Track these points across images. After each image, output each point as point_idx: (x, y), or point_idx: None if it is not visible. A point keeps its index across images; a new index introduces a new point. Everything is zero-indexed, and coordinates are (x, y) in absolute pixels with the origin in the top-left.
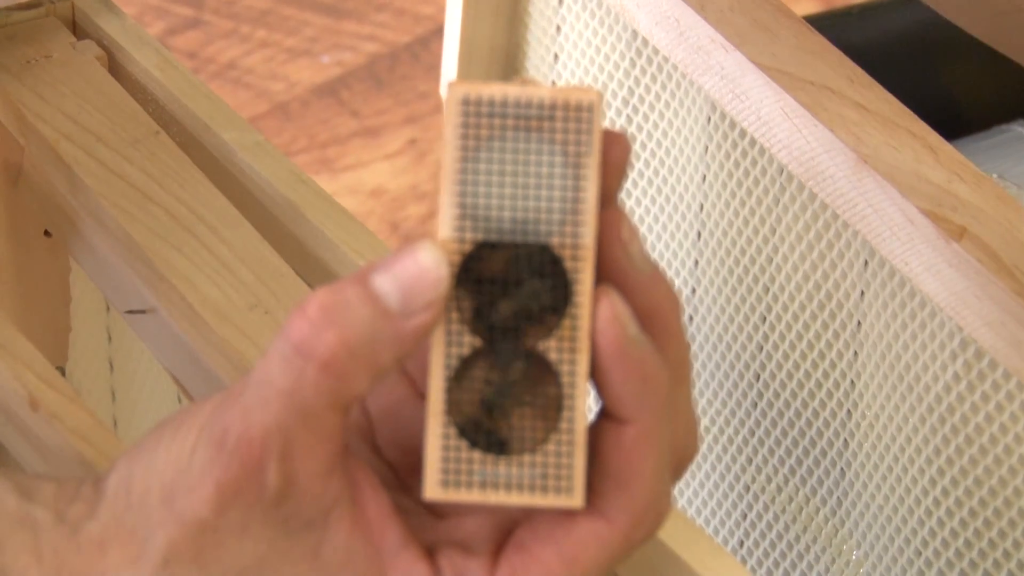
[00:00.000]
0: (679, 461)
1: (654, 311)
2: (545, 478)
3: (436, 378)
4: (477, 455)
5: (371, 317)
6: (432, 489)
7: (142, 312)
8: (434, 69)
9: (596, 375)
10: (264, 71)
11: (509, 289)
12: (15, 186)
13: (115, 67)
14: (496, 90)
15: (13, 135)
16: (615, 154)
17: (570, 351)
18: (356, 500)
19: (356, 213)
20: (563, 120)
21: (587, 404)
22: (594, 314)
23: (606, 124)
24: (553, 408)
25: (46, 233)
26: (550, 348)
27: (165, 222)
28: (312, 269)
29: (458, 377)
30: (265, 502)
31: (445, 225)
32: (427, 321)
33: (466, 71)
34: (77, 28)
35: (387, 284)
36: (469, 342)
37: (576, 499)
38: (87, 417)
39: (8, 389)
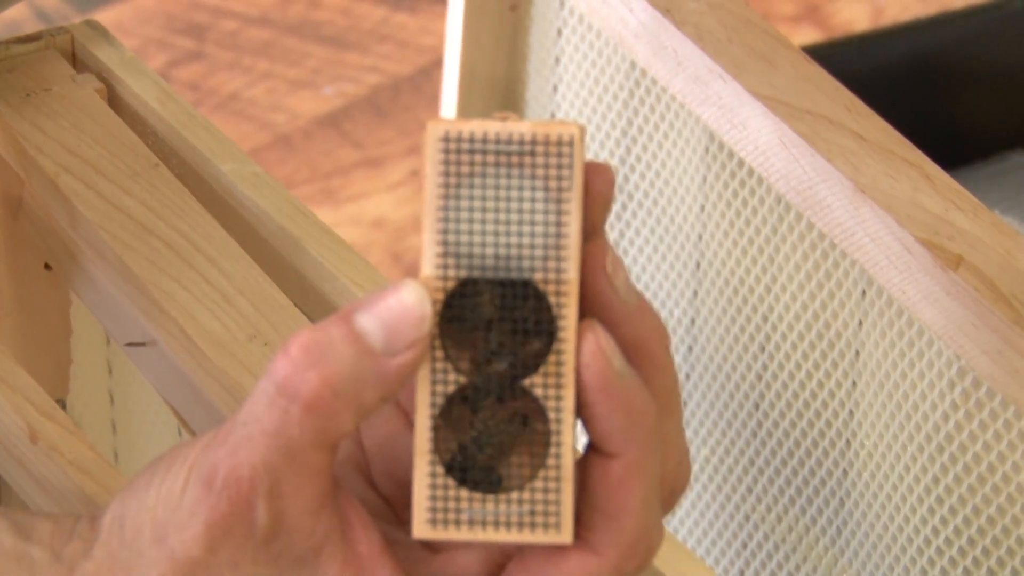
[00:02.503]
0: (670, 492)
1: (640, 343)
2: (533, 514)
3: (422, 416)
4: (465, 493)
5: (354, 356)
6: (420, 528)
7: (142, 345)
8: (436, 100)
9: (582, 409)
10: (266, 103)
11: (493, 325)
12: (15, 219)
13: (114, 99)
14: (476, 126)
15: (13, 168)
16: (599, 186)
17: (556, 386)
18: (347, 537)
19: (358, 244)
20: (544, 155)
21: (574, 439)
22: (578, 348)
23: (605, 154)
24: (540, 444)
25: (46, 266)
26: (536, 384)
27: (165, 254)
28: (312, 301)
29: (444, 415)
30: (255, 540)
31: (428, 263)
32: (411, 360)
33: (466, 102)
34: (77, 61)
35: (370, 323)
36: (454, 379)
37: (564, 535)
38: (87, 450)
39: (8, 422)
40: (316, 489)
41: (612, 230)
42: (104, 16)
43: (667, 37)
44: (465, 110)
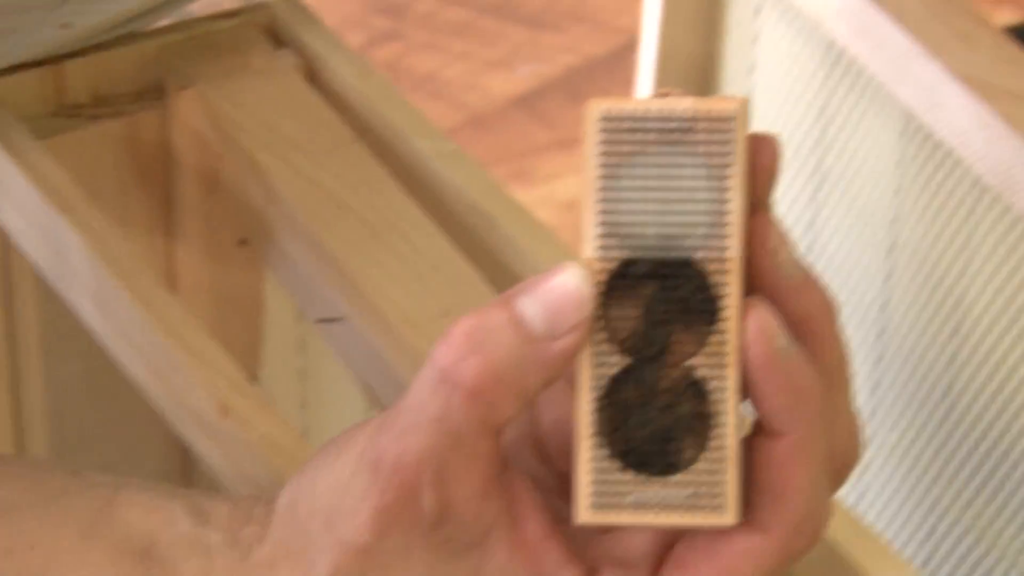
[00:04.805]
0: (840, 468)
1: (807, 318)
2: (698, 496)
3: (583, 400)
4: (628, 476)
5: (516, 342)
6: (583, 513)
7: (334, 320)
8: (630, 82)
9: (747, 388)
10: (462, 83)
11: (656, 306)
12: (213, 195)
13: (313, 76)
14: (637, 105)
15: (212, 144)
16: (764, 159)
17: (719, 367)
18: (515, 521)
19: (549, 225)
20: (706, 132)
21: (738, 419)
22: (742, 327)
23: (800, 135)
24: (704, 425)
25: (242, 242)
26: (699, 364)
27: (359, 231)
28: (503, 278)
29: (606, 397)
30: (423, 526)
31: (589, 244)
32: (573, 343)
33: (663, 81)
34: (277, 37)
35: (531, 307)
36: (616, 362)
37: (729, 517)
38: (277, 424)
39: (199, 396)
40: (482, 474)
41: (806, 211)
42: None
43: (868, 16)
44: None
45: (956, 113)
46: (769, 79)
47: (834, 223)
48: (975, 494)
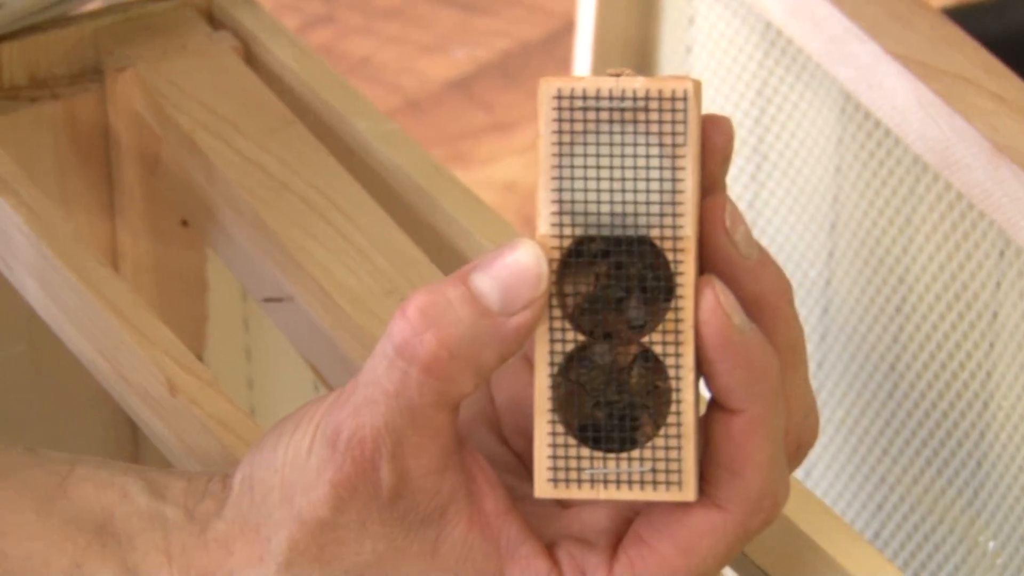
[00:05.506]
0: (797, 446)
1: (762, 297)
2: (655, 472)
3: (541, 375)
4: (586, 451)
5: (471, 318)
6: (542, 487)
7: (279, 300)
8: (566, 64)
9: (703, 366)
10: (397, 67)
11: (611, 283)
12: (153, 176)
13: (251, 57)
14: (589, 83)
15: (151, 125)
16: (717, 140)
17: (675, 343)
18: (473, 495)
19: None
20: (658, 111)
21: (696, 396)
22: (697, 305)
23: (740, 115)
24: (661, 402)
25: (184, 223)
26: (655, 341)
27: (301, 210)
28: (446, 257)
29: (563, 373)
30: (381, 500)
31: (543, 221)
32: (529, 320)
33: (599, 65)
34: (213, 19)
35: (487, 284)
36: (572, 338)
37: (687, 492)
38: (225, 403)
39: (147, 374)
40: (439, 449)
41: (747, 191)
42: None
43: None
44: (598, 72)
45: (894, 93)
46: (706, 60)
47: (775, 203)
48: (923, 468)
